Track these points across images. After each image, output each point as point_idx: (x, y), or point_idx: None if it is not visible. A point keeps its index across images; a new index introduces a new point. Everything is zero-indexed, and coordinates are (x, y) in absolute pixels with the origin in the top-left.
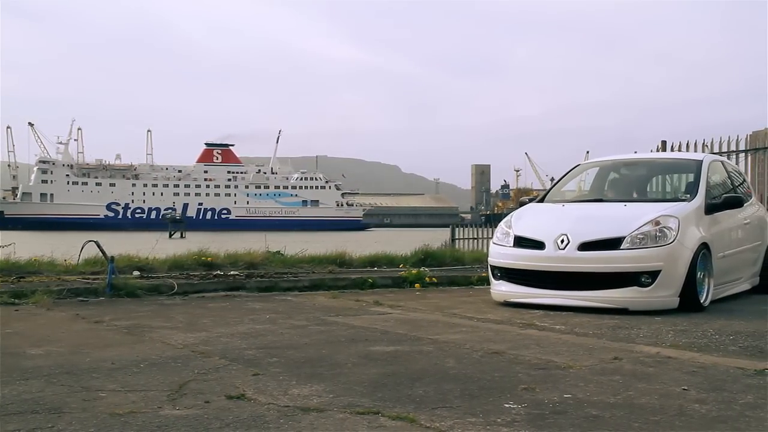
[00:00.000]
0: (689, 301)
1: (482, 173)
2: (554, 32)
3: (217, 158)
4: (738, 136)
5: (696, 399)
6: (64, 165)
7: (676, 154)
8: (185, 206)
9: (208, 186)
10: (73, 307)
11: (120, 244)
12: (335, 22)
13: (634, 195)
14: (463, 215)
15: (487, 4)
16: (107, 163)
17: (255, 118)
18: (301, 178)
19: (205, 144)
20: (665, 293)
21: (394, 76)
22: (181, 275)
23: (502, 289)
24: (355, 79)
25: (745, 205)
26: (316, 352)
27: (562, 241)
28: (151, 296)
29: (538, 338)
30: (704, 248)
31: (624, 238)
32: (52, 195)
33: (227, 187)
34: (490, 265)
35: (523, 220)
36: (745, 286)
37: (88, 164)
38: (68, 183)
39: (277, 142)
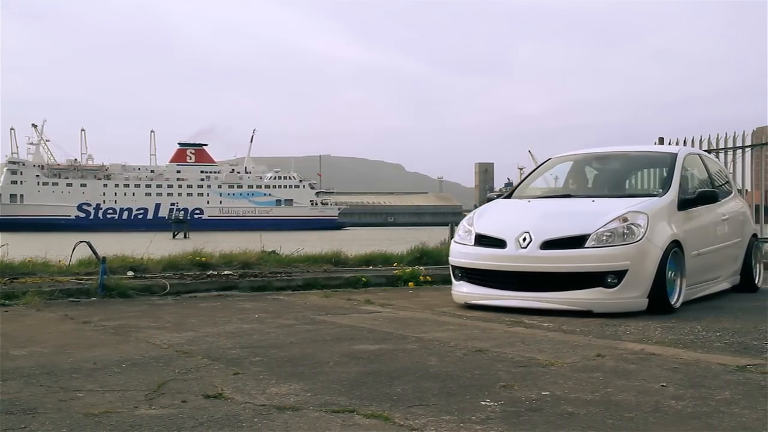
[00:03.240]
0: (658, 302)
1: (486, 171)
2: (556, 30)
3: (191, 158)
4: (744, 132)
5: (673, 395)
6: (34, 166)
7: (651, 148)
8: (157, 206)
9: (180, 186)
10: (63, 308)
11: (118, 244)
12: (340, 22)
13: (606, 190)
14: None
15: (491, 3)
16: (78, 163)
17: (258, 118)
18: (275, 177)
19: (179, 144)
20: (632, 294)
21: (398, 75)
22: (174, 275)
23: (462, 290)
24: (359, 79)
25: (723, 200)
26: (299, 351)
27: (524, 240)
28: (142, 296)
29: (524, 336)
30: (676, 246)
31: (589, 236)
32: (22, 196)
33: (200, 186)
34: (451, 265)
35: (486, 218)
36: (724, 286)
37: (59, 165)
38: (38, 184)
39: (251, 141)
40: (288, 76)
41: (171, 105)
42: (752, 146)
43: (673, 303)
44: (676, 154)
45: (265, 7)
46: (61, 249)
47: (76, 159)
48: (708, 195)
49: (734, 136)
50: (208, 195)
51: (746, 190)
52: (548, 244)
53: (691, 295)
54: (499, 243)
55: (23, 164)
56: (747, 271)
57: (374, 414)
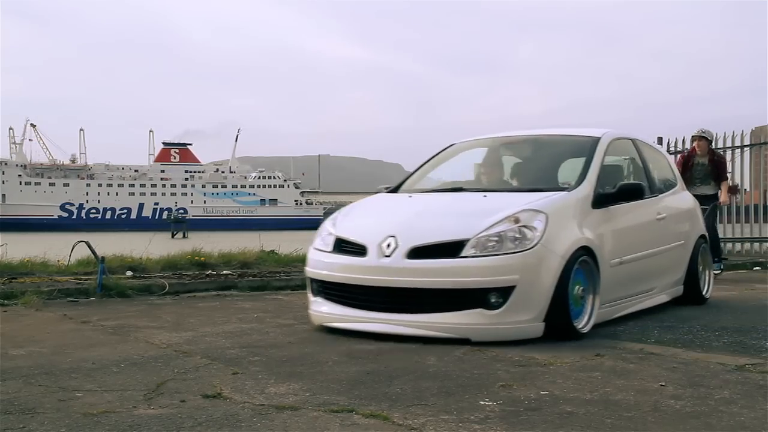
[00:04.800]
0: (558, 326)
1: None
2: (555, 30)
3: (175, 158)
4: (743, 131)
5: (672, 395)
6: (17, 165)
7: (571, 131)
8: (141, 206)
9: (164, 185)
10: (62, 308)
11: (116, 245)
12: (340, 22)
13: (508, 183)
14: None
15: (491, 3)
16: (61, 162)
17: (257, 118)
18: (260, 177)
19: (163, 143)
20: (522, 317)
21: (398, 75)
22: (173, 275)
23: (320, 309)
24: (359, 79)
25: (662, 195)
26: (298, 351)
27: (388, 246)
28: (141, 296)
29: None
30: (585, 254)
31: (467, 241)
32: (3, 195)
33: (184, 186)
34: (307, 277)
35: (351, 217)
36: (662, 299)
37: (41, 164)
38: (21, 183)
39: (236, 140)
40: (288, 75)
41: (170, 105)
42: (751, 146)
43: (580, 327)
44: (598, 139)
45: (265, 6)
46: (45, 249)
47: (65, 158)
48: (632, 189)
49: (733, 136)
50: (192, 195)
51: (745, 189)
52: (417, 252)
53: (612, 314)
54: (360, 250)
55: (5, 164)
56: (692, 279)
57: (373, 413)
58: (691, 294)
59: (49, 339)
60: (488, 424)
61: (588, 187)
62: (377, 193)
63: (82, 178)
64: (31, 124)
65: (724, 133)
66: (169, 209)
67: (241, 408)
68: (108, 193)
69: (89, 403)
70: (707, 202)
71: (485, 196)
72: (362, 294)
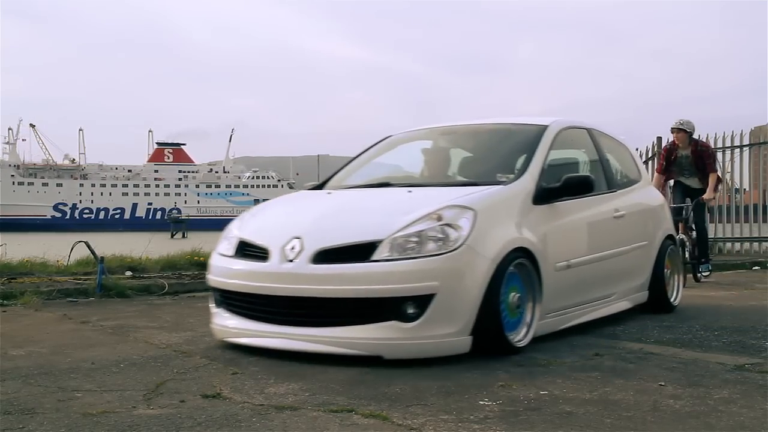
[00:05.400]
0: (489, 340)
1: None
2: (555, 30)
3: (169, 158)
4: (742, 131)
5: (671, 395)
6: (10, 165)
7: (517, 119)
8: (134, 206)
9: (158, 186)
10: (61, 308)
11: (114, 245)
12: (339, 22)
13: (440, 177)
14: None
15: (491, 2)
16: (54, 162)
17: (258, 117)
18: (253, 177)
19: (157, 143)
20: (444, 330)
21: (397, 74)
22: (173, 275)
23: (222, 323)
24: (359, 78)
25: (623, 190)
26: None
27: (293, 249)
28: (141, 296)
29: None
30: (522, 256)
31: (380, 242)
32: None
33: (177, 186)
34: (209, 286)
35: (259, 216)
36: (623, 306)
37: (35, 164)
38: (14, 183)
39: (230, 141)
40: (287, 75)
41: (170, 105)
42: (750, 145)
43: (515, 340)
44: (544, 128)
45: (265, 6)
46: (44, 250)
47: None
48: (579, 182)
49: (732, 136)
50: (185, 195)
51: (744, 189)
52: (323, 256)
53: (560, 325)
54: (263, 254)
55: None
56: (657, 284)
57: (373, 413)
58: (656, 300)
59: (49, 339)
60: (488, 423)
61: (529, 181)
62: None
63: (76, 179)
64: (31, 124)
65: (723, 132)
66: (163, 209)
67: (241, 408)
68: (101, 194)
69: (89, 403)
70: (696, 195)
71: (410, 191)
72: (263, 305)
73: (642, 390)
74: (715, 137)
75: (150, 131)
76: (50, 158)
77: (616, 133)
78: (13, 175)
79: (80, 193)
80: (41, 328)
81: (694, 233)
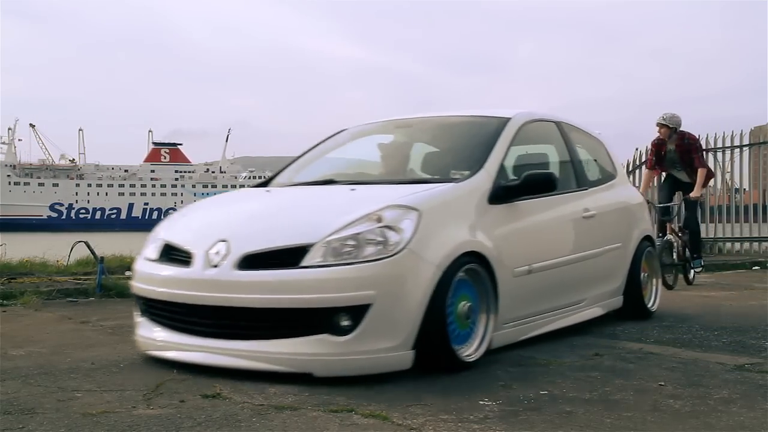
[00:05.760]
0: (434, 354)
1: None
2: (555, 30)
3: (165, 158)
4: (741, 131)
5: (671, 394)
6: (6, 165)
7: (479, 111)
8: (130, 206)
9: (154, 186)
10: (61, 308)
11: (113, 245)
12: (339, 22)
13: (396, 173)
14: None
15: (491, 2)
16: (51, 162)
17: (258, 117)
18: (250, 177)
19: (153, 143)
20: (381, 344)
21: (398, 74)
22: None
23: (147, 334)
24: (359, 78)
25: (595, 188)
26: None
27: (218, 252)
28: None
29: None
30: (474, 261)
31: (311, 246)
32: None
33: (174, 186)
34: (132, 293)
35: (189, 216)
36: (594, 313)
37: (30, 164)
38: (10, 183)
39: (227, 141)
40: (287, 75)
41: (170, 104)
42: (750, 145)
43: (466, 354)
44: (506, 121)
45: (265, 6)
46: (37, 250)
47: (64, 159)
48: (541, 179)
49: (732, 136)
50: (182, 195)
51: (744, 189)
52: (250, 261)
53: (521, 335)
54: (186, 258)
55: None
56: (633, 289)
57: (372, 413)
58: (632, 306)
59: (49, 339)
60: (487, 423)
61: (485, 178)
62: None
63: (72, 179)
64: (30, 124)
65: (723, 132)
66: (160, 210)
67: (241, 408)
68: (98, 193)
69: (88, 403)
70: (685, 189)
71: (353, 189)
72: (186, 315)
73: (642, 390)
74: (715, 137)
75: (150, 131)
76: (50, 158)
77: (590, 127)
78: (9, 175)
79: (76, 193)
80: (41, 328)
81: (685, 233)
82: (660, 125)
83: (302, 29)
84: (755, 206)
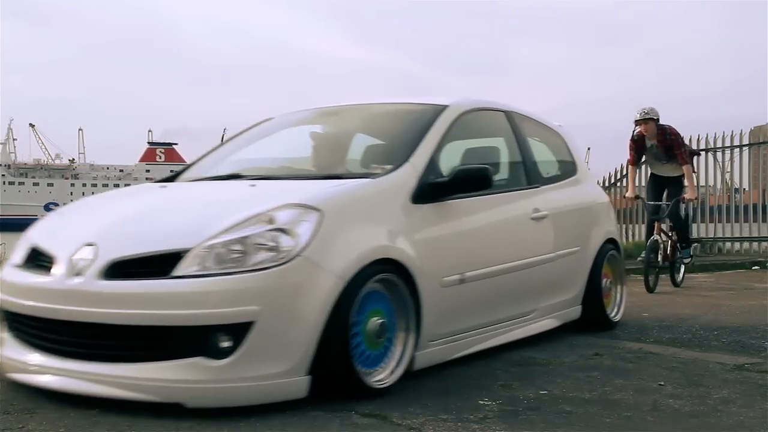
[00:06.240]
0: (335, 380)
1: None
2: (555, 30)
3: (160, 157)
4: (741, 131)
5: (671, 394)
6: (1, 165)
7: (413, 99)
8: None
9: None
10: None
11: None
12: (339, 22)
13: (312, 167)
14: None
15: (491, 3)
16: (45, 162)
17: (258, 117)
18: None
19: (148, 143)
20: (267, 369)
21: (398, 74)
22: None
23: (6, 353)
24: (358, 78)
25: (546, 186)
26: None
27: (83, 258)
28: None
29: None
30: (391, 270)
31: (187, 252)
32: None
33: None
34: None
35: (66, 216)
36: (547, 324)
37: (25, 164)
38: (4, 183)
39: (222, 140)
40: (287, 75)
41: (170, 104)
42: (749, 145)
43: (376, 379)
44: (443, 109)
45: (265, 6)
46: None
47: (64, 158)
48: (475, 176)
49: (731, 135)
50: None
51: (744, 189)
52: (118, 268)
53: (450, 354)
54: (48, 263)
55: None
56: (593, 298)
57: (372, 413)
58: (592, 316)
59: None
60: (487, 423)
61: (409, 174)
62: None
63: (67, 178)
64: (30, 124)
65: (723, 132)
66: None
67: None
68: (93, 193)
69: (88, 402)
70: (674, 184)
71: (254, 185)
72: (45, 331)
73: (642, 390)
74: (715, 137)
75: (149, 131)
76: (49, 158)
77: (548, 119)
78: (3, 175)
79: (71, 193)
80: None
81: (673, 233)
82: (644, 121)
83: (302, 29)
84: (755, 206)
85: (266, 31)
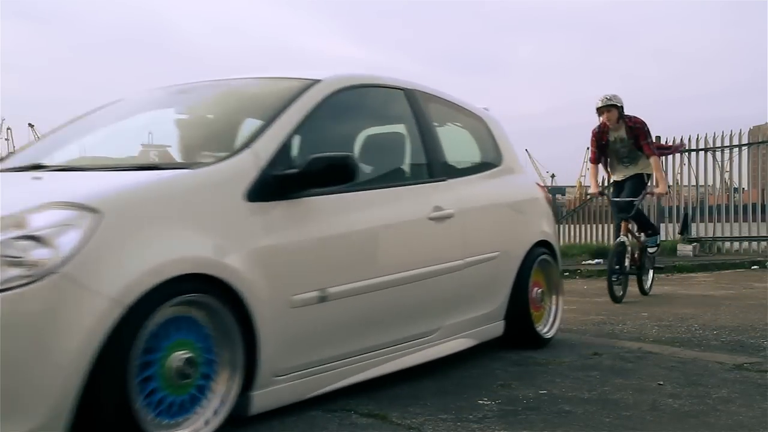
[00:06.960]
0: None
1: None
2: (555, 30)
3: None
4: (741, 130)
5: (670, 394)
6: None
7: (287, 73)
8: None
9: None
10: None
11: None
12: (338, 21)
13: (139, 155)
14: None
15: (490, 3)
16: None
17: None
18: None
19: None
20: (13, 428)
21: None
22: None
23: None
24: None
25: (456, 179)
26: None
27: None
28: None
29: None
30: (205, 289)
31: None
32: None
33: None
34: None
35: None
36: (459, 345)
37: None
38: None
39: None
40: None
41: None
42: (749, 144)
43: None
44: (312, 84)
45: (265, 6)
46: None
47: None
48: (334, 165)
49: (731, 135)
50: None
51: (743, 188)
52: None
53: (309, 390)
54: None
55: None
56: (519, 311)
57: (371, 413)
58: (518, 333)
59: None
60: (486, 423)
61: (247, 164)
62: None
63: None
64: (29, 124)
65: (722, 132)
66: None
67: None
68: None
69: None
70: (635, 178)
71: (37, 177)
72: None
73: (641, 389)
74: (714, 136)
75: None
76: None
77: (468, 101)
78: None
79: None
80: None
81: (641, 234)
82: (606, 108)
83: (302, 29)
84: (754, 205)
85: (266, 30)
